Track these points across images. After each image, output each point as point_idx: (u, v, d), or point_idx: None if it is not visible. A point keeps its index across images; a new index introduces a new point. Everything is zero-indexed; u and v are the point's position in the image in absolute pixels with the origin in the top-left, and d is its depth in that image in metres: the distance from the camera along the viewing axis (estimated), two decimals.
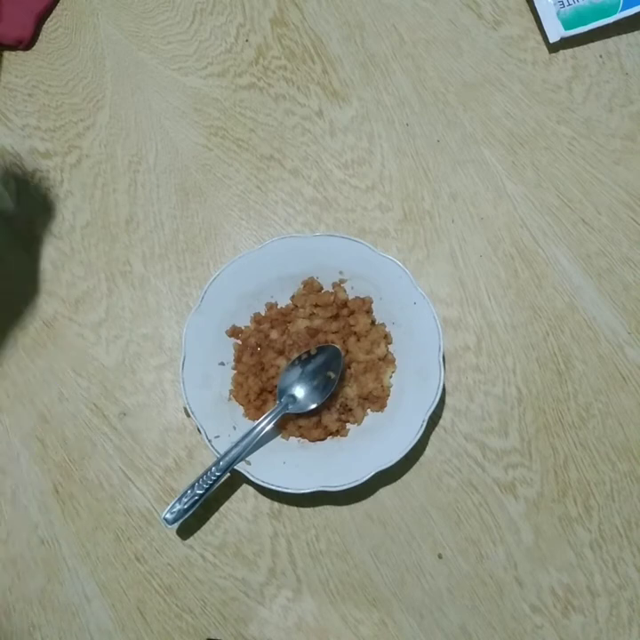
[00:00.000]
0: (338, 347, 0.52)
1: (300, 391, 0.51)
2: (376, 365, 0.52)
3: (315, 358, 0.52)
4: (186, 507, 0.48)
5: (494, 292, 0.55)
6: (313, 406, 0.51)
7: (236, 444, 0.49)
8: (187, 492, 0.48)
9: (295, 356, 0.52)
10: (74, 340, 0.56)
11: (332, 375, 0.51)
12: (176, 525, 0.49)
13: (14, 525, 0.53)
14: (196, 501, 0.48)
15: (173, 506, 0.48)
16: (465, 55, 0.60)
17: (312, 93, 0.60)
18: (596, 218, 0.56)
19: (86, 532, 0.53)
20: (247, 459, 0.50)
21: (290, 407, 0.51)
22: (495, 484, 0.52)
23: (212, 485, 0.48)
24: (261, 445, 0.51)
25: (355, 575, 0.51)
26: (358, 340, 0.53)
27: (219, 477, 0.49)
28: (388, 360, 0.53)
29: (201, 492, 0.48)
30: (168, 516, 0.48)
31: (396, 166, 0.58)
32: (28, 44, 0.62)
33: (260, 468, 0.50)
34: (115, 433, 0.54)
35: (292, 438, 0.52)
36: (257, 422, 0.50)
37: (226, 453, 0.49)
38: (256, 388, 0.52)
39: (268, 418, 0.50)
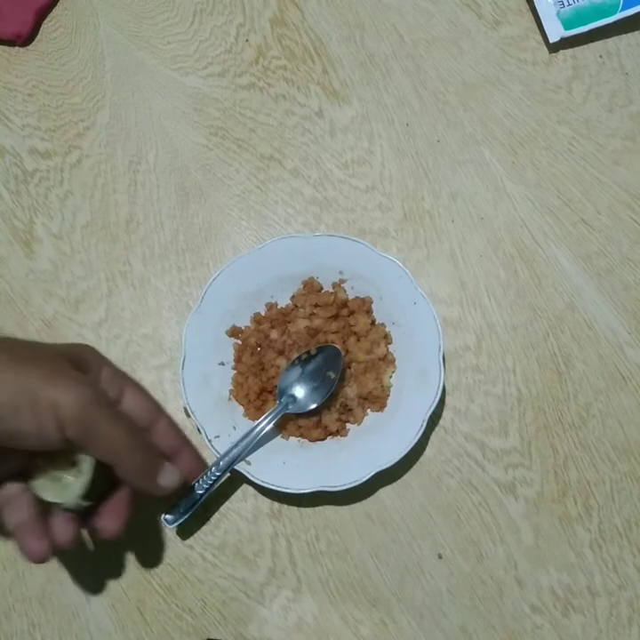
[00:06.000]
0: (338, 347, 0.52)
1: (299, 391, 0.51)
2: (376, 365, 0.52)
3: (315, 358, 0.51)
4: (186, 506, 0.48)
5: (494, 291, 0.55)
6: (313, 406, 0.51)
7: (236, 444, 0.49)
8: (187, 492, 0.48)
9: (295, 355, 0.52)
10: (74, 340, 0.56)
11: (332, 375, 0.51)
12: (176, 525, 0.49)
13: None
14: (196, 501, 0.48)
15: (173, 506, 0.48)
16: (465, 55, 0.60)
17: (312, 93, 0.60)
18: (596, 218, 0.56)
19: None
20: (247, 459, 0.50)
21: (290, 407, 0.51)
22: (495, 484, 0.52)
23: (212, 485, 0.48)
24: (261, 445, 0.51)
25: (355, 575, 0.51)
26: (358, 339, 0.53)
27: (219, 477, 0.49)
28: (387, 360, 0.53)
29: (201, 491, 0.48)
30: (168, 516, 0.48)
31: (396, 166, 0.58)
32: (26, 38, 0.62)
33: (260, 468, 0.50)
34: None
35: (291, 438, 0.52)
36: (257, 422, 0.50)
37: (226, 453, 0.49)
38: (256, 388, 0.52)
39: (268, 418, 0.50)
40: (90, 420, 0.40)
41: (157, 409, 0.48)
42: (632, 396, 0.53)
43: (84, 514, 0.45)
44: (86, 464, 0.43)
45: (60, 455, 0.43)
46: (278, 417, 0.50)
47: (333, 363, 0.51)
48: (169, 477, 0.45)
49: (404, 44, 0.61)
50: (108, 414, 0.41)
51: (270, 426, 0.50)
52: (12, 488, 0.44)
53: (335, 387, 0.51)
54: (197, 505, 0.48)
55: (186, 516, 0.48)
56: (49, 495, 0.43)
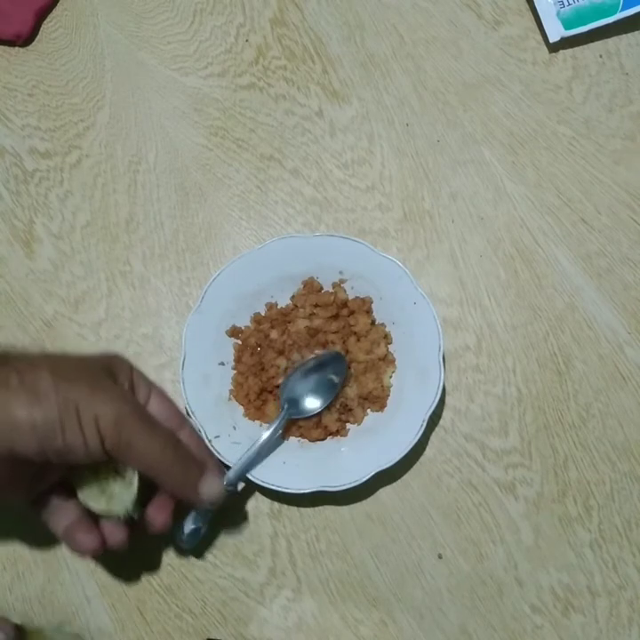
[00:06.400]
0: (342, 353, 0.52)
1: (303, 401, 0.51)
2: (376, 365, 0.52)
3: (319, 367, 0.51)
4: (194, 528, 0.48)
5: (494, 291, 0.55)
6: (315, 412, 0.51)
7: (239, 461, 0.48)
8: (191, 514, 0.48)
9: (296, 357, 0.52)
10: (74, 340, 0.56)
11: (335, 379, 0.51)
12: (189, 547, 0.49)
13: (14, 525, 0.53)
14: (205, 519, 0.48)
15: (182, 529, 0.48)
16: (465, 55, 0.60)
17: (312, 93, 0.60)
18: (596, 218, 0.56)
19: None
20: None
21: (293, 417, 0.51)
22: (495, 484, 0.52)
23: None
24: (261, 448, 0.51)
25: (355, 575, 0.51)
26: (358, 340, 0.53)
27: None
28: (388, 360, 0.53)
29: (209, 510, 0.48)
30: (179, 542, 0.48)
31: (396, 166, 0.58)
32: (26, 38, 0.62)
33: (260, 468, 0.50)
34: None
35: (292, 438, 0.52)
36: (260, 438, 0.49)
37: (230, 474, 0.48)
38: (256, 388, 0.52)
39: (272, 430, 0.49)
40: (126, 434, 0.40)
41: (181, 418, 0.48)
42: (632, 396, 0.53)
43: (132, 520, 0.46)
44: (132, 474, 0.43)
45: (103, 465, 0.43)
46: (282, 425, 0.50)
47: (337, 367, 0.51)
48: (210, 488, 0.45)
49: (404, 43, 0.61)
50: (144, 428, 0.41)
51: (274, 437, 0.49)
52: (56, 498, 0.45)
53: (337, 391, 0.51)
54: (207, 523, 0.48)
55: (197, 541, 0.48)
56: (98, 507, 0.43)
